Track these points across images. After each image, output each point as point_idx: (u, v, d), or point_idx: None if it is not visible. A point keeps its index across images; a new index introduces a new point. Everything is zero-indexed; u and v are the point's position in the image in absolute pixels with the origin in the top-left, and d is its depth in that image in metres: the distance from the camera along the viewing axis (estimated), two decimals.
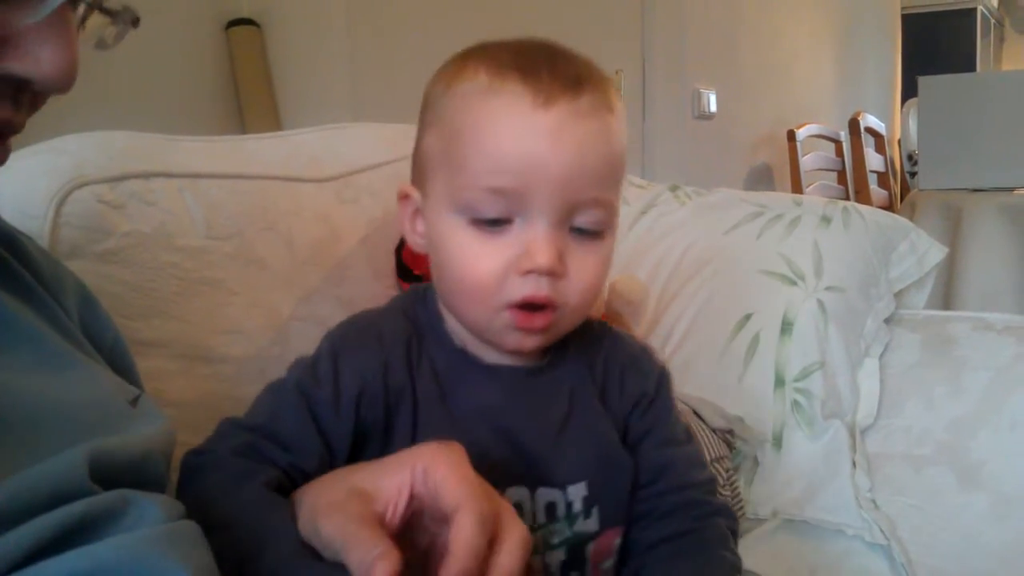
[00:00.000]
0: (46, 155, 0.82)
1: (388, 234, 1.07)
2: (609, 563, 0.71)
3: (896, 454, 1.10)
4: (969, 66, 5.11)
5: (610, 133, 0.65)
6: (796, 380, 1.11)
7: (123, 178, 0.83)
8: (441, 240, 0.66)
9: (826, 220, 1.21)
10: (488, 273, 0.64)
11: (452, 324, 0.71)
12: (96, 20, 0.53)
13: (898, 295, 1.24)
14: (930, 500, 1.06)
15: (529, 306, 0.64)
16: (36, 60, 0.48)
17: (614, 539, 0.70)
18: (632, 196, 1.33)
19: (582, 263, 0.65)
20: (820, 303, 1.13)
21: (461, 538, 0.51)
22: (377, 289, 1.05)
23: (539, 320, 0.64)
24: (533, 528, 0.66)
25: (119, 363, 0.64)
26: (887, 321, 1.20)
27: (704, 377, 1.12)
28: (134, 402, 0.57)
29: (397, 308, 0.73)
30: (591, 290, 0.66)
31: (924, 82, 2.91)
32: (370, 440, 0.67)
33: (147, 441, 0.53)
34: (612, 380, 0.73)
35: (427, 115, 0.69)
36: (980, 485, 1.05)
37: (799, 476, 1.07)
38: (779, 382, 1.10)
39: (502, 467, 0.65)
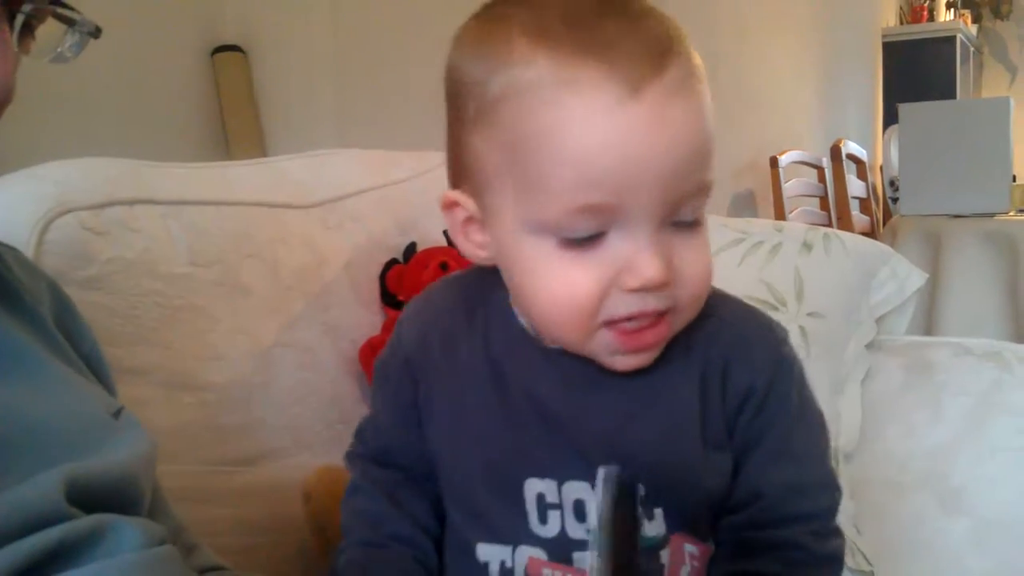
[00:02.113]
0: (29, 182, 0.82)
1: (373, 260, 1.08)
2: (686, 571, 0.62)
3: (878, 480, 1.10)
4: (949, 93, 5.17)
5: (703, 105, 0.55)
6: None
7: (107, 205, 0.83)
8: (519, 262, 0.58)
9: (807, 246, 1.22)
10: (586, 296, 0.55)
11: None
12: (51, 29, 0.52)
13: (879, 321, 1.25)
14: (912, 525, 1.06)
15: (639, 317, 0.56)
16: None
17: (685, 544, 0.62)
18: None
19: (690, 259, 0.56)
20: (802, 329, 1.14)
21: None
22: (362, 315, 1.05)
23: (650, 336, 0.57)
24: None
25: (97, 372, 0.64)
26: (868, 347, 1.21)
27: None
28: (116, 415, 0.56)
29: (456, 281, 0.70)
30: (703, 284, 0.58)
31: (904, 109, 2.95)
32: (423, 414, 0.66)
33: (128, 460, 0.52)
34: (713, 372, 0.61)
35: (465, 107, 0.57)
36: (961, 510, 1.05)
37: None
38: None
39: (557, 458, 0.61)
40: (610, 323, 0.56)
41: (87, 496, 0.47)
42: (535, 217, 0.55)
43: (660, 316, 0.56)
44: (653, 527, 0.61)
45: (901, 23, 5.83)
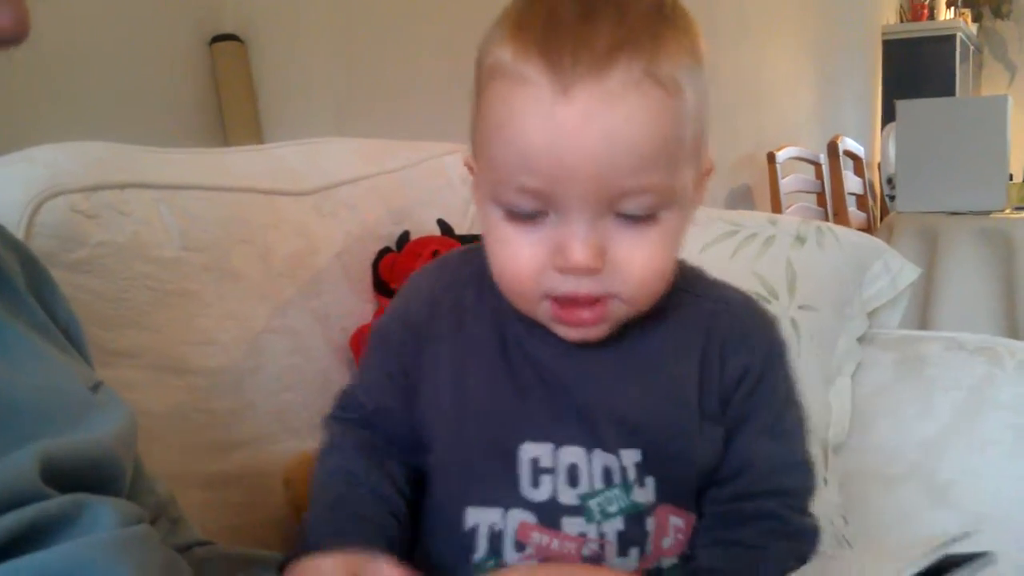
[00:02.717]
0: (21, 164, 0.82)
1: (366, 248, 1.08)
2: (668, 542, 0.65)
3: (867, 472, 1.11)
4: (948, 91, 5.17)
5: (657, 109, 0.56)
6: None
7: (98, 188, 0.83)
8: (484, 229, 0.63)
9: (800, 239, 1.22)
10: (527, 268, 0.60)
11: None
12: None
13: (872, 315, 1.25)
14: (900, 518, 1.07)
15: (573, 299, 0.60)
16: None
17: (670, 516, 0.65)
18: None
19: (630, 251, 0.59)
20: (793, 321, 1.14)
21: None
22: (354, 303, 1.05)
23: (587, 315, 0.61)
24: (591, 493, 0.63)
25: (75, 342, 0.63)
26: (860, 340, 1.21)
27: None
28: (95, 389, 0.56)
29: (467, 253, 0.72)
30: (647, 277, 0.60)
31: (902, 106, 2.94)
32: (419, 380, 0.68)
33: (106, 437, 0.51)
34: (712, 350, 0.66)
35: (476, 83, 0.62)
36: (950, 504, 1.06)
37: None
38: None
39: (556, 422, 0.64)
40: (549, 297, 0.60)
41: (63, 474, 0.46)
42: (491, 190, 0.60)
43: (596, 300, 0.60)
44: (642, 494, 0.63)
45: (901, 21, 5.83)
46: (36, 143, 0.87)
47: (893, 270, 1.26)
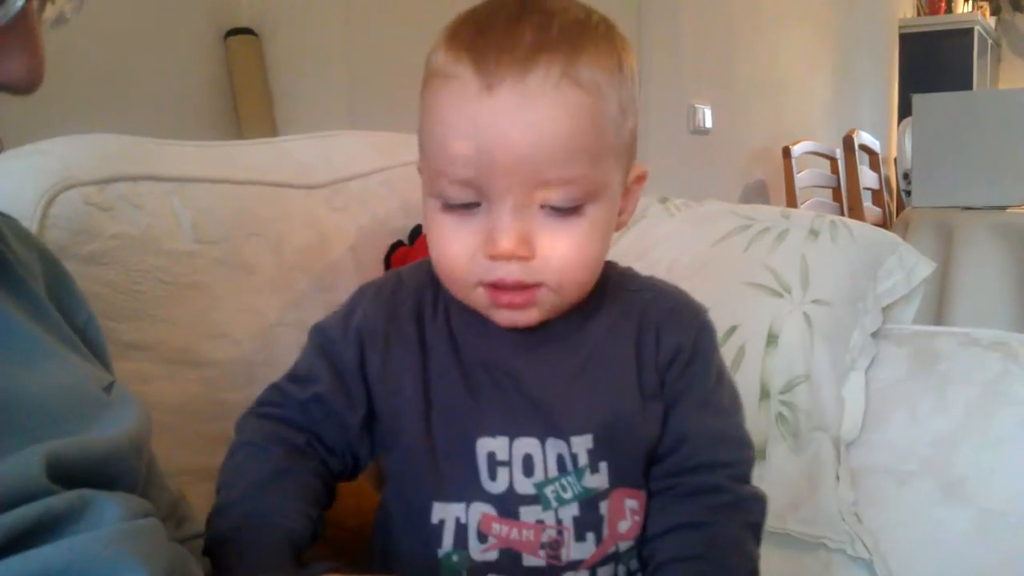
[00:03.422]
0: (35, 156, 0.83)
1: (377, 241, 1.08)
2: (625, 525, 0.68)
3: (880, 468, 1.10)
4: (966, 86, 5.13)
5: (575, 107, 0.61)
6: (781, 393, 1.11)
7: (111, 181, 0.84)
8: (424, 221, 0.69)
9: (814, 233, 1.21)
10: (460, 256, 0.65)
11: None
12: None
13: (886, 310, 1.24)
14: (913, 515, 1.06)
15: (502, 284, 0.64)
16: (5, 69, 0.47)
17: (625, 499, 0.68)
18: None
19: (556, 241, 0.63)
20: (806, 316, 1.14)
21: None
22: None
23: (516, 296, 0.65)
24: (545, 481, 0.66)
25: (93, 344, 0.63)
26: (874, 335, 1.21)
27: None
28: (108, 389, 0.56)
29: (426, 262, 0.74)
30: (572, 266, 0.65)
31: (918, 100, 2.93)
32: (376, 385, 0.70)
33: (116, 437, 0.52)
34: (648, 334, 0.71)
35: (422, 85, 0.68)
36: (964, 500, 1.05)
37: (782, 488, 1.07)
38: (764, 394, 1.11)
39: (509, 415, 0.67)
40: (482, 284, 0.65)
41: (69, 472, 0.46)
42: (429, 183, 0.65)
43: (525, 287, 0.64)
44: (596, 479, 0.67)
45: (918, 14, 5.79)
46: (50, 135, 0.87)
47: (908, 265, 1.25)
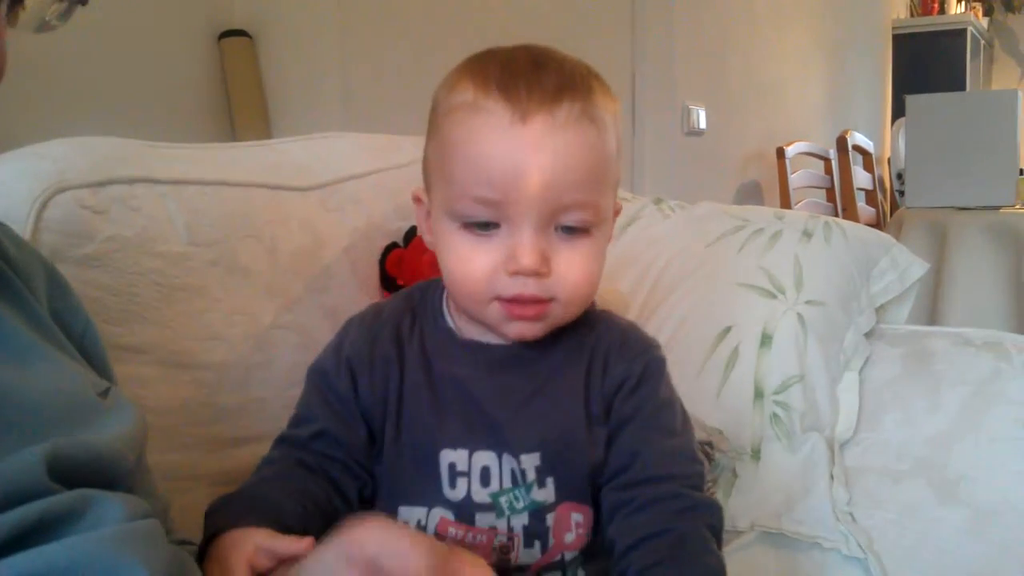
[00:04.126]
0: (28, 159, 0.83)
1: (372, 243, 1.08)
2: (571, 537, 0.74)
3: (874, 468, 1.10)
4: (959, 86, 5.14)
5: (591, 141, 0.69)
6: (775, 393, 1.11)
7: (105, 183, 0.84)
8: (441, 242, 0.73)
9: (807, 234, 1.22)
10: (479, 272, 0.70)
11: (450, 308, 0.78)
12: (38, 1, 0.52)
13: (880, 310, 1.25)
14: (907, 514, 1.06)
15: (518, 300, 0.70)
16: None
17: (572, 512, 0.74)
18: None
19: (569, 260, 0.70)
20: (800, 316, 1.14)
21: None
22: (360, 298, 1.05)
23: (530, 310, 0.70)
24: (500, 492, 0.73)
25: (91, 351, 0.64)
26: (868, 335, 1.21)
27: (684, 389, 1.11)
28: (104, 394, 0.56)
29: (405, 294, 0.83)
30: (581, 283, 0.71)
31: (912, 101, 2.94)
32: (367, 402, 0.76)
33: (112, 438, 0.52)
34: (597, 362, 0.76)
35: (431, 124, 0.74)
36: (958, 500, 1.05)
37: (777, 488, 1.08)
38: (758, 395, 1.11)
39: (470, 431, 0.73)
40: (498, 299, 0.70)
41: (69, 472, 0.47)
42: (448, 205, 0.70)
43: (540, 301, 0.70)
44: (543, 493, 0.73)
45: (912, 15, 5.80)
46: (44, 138, 0.87)
47: (901, 265, 1.26)
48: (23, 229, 0.76)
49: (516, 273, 0.69)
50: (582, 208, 0.69)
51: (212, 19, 1.94)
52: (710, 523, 0.72)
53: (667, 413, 0.76)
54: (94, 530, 0.45)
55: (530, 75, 0.69)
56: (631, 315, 1.19)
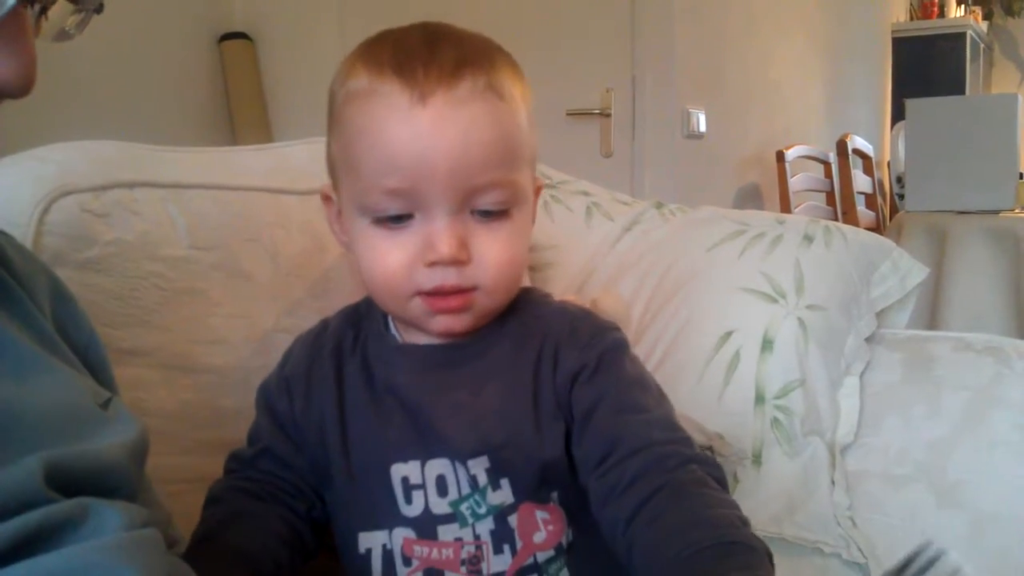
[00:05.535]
0: (30, 163, 0.83)
1: None
2: (540, 536, 0.70)
3: (875, 472, 1.10)
4: (959, 90, 5.14)
5: (498, 115, 0.66)
6: (776, 398, 1.11)
7: (107, 187, 0.84)
8: (354, 240, 0.70)
9: (808, 239, 1.22)
10: (396, 267, 0.67)
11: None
12: (58, 9, 0.52)
13: (880, 315, 1.25)
14: (908, 519, 1.06)
15: (440, 292, 0.67)
16: None
17: (536, 511, 0.70)
18: (616, 213, 1.34)
19: (489, 244, 0.67)
20: (801, 321, 1.14)
21: None
22: None
23: (453, 301, 0.67)
24: (460, 499, 0.69)
25: (94, 362, 0.63)
26: (868, 340, 1.21)
27: (684, 393, 1.12)
28: (105, 405, 0.56)
29: (352, 307, 0.80)
30: (504, 268, 0.68)
31: (911, 104, 2.94)
32: (303, 424, 0.74)
33: (113, 447, 0.51)
34: (546, 356, 0.71)
35: (330, 117, 0.71)
36: (958, 504, 1.05)
37: (778, 493, 1.08)
38: (759, 399, 1.11)
39: (419, 440, 0.70)
40: (419, 294, 0.67)
41: (68, 481, 0.46)
42: (358, 200, 0.67)
43: (462, 291, 0.67)
44: (499, 495, 0.69)
45: (911, 19, 5.80)
46: (46, 142, 0.87)
47: (902, 270, 1.26)
48: (25, 233, 0.76)
49: (434, 264, 0.66)
50: (497, 187, 0.66)
51: (212, 22, 1.94)
52: (709, 472, 0.66)
53: (636, 391, 0.71)
54: (93, 539, 0.44)
55: (425, 53, 0.65)
56: (632, 320, 1.19)
